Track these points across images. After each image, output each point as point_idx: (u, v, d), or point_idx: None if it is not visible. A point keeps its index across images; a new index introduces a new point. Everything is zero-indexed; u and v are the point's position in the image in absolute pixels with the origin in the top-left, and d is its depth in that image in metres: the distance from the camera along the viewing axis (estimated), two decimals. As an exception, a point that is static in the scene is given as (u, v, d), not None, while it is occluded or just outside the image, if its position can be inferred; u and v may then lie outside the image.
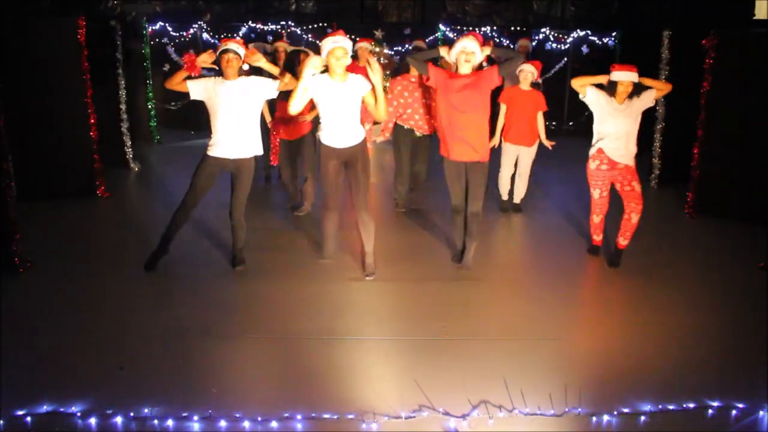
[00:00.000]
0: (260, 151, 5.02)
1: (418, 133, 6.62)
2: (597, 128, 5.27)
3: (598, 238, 5.71)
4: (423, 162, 6.90)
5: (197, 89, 4.84)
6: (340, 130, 4.80)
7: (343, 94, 4.69)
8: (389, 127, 6.62)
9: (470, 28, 11.95)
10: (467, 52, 4.79)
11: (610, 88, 5.13)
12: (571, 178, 8.33)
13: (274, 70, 4.88)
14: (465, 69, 4.85)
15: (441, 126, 5.07)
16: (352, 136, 4.84)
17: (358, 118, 4.86)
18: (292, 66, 5.94)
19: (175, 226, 5.08)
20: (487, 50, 4.93)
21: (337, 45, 4.53)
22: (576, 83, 5.20)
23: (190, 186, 4.99)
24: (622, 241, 5.46)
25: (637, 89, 5.11)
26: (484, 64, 5.29)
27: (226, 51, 4.77)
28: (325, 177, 4.95)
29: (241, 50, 4.83)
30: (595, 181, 5.36)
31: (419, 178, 7.04)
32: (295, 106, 4.67)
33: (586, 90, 5.19)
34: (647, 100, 5.17)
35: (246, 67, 4.91)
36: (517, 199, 7.11)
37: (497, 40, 11.72)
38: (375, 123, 6.69)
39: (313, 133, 6.46)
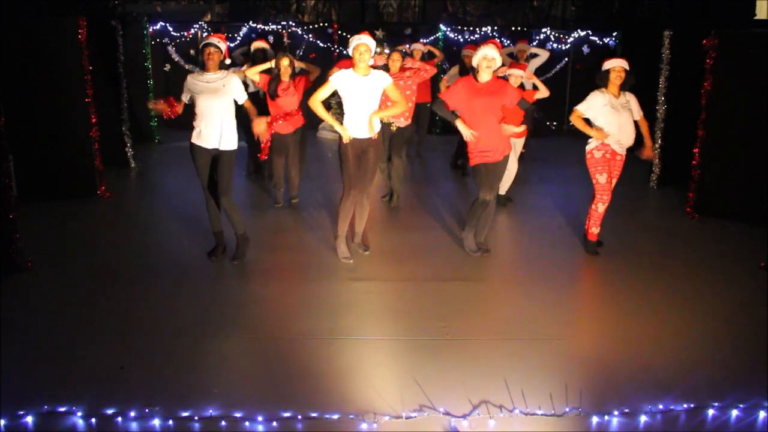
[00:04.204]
0: (236, 146, 5.26)
1: (393, 127, 6.75)
2: (598, 124, 5.43)
3: (595, 230, 5.69)
4: (399, 154, 7.05)
5: (185, 94, 5.17)
6: (359, 122, 5.20)
7: (366, 88, 5.14)
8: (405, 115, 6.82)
9: (470, 28, 11.95)
10: (488, 58, 5.23)
11: (603, 80, 5.40)
12: (572, 178, 8.33)
13: (267, 65, 5.40)
14: (486, 75, 5.30)
15: (480, 132, 5.35)
16: (369, 128, 5.24)
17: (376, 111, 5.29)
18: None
19: (213, 219, 5.43)
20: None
21: (361, 42, 5.04)
22: (579, 126, 5.48)
23: (199, 180, 5.27)
24: (595, 230, 5.74)
25: (629, 81, 5.38)
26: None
27: (207, 45, 5.09)
28: (345, 161, 5.31)
29: (222, 45, 5.13)
30: (602, 166, 5.49)
31: (399, 171, 7.13)
32: (315, 101, 5.15)
33: (583, 111, 5.46)
34: (636, 113, 5.47)
35: (228, 61, 5.25)
36: (502, 191, 7.15)
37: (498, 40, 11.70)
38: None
39: (301, 131, 6.98)
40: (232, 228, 5.42)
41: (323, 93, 5.17)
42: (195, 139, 5.17)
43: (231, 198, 5.30)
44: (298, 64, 6.98)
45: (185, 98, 5.19)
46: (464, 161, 7.90)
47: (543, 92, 7.01)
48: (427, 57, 9.46)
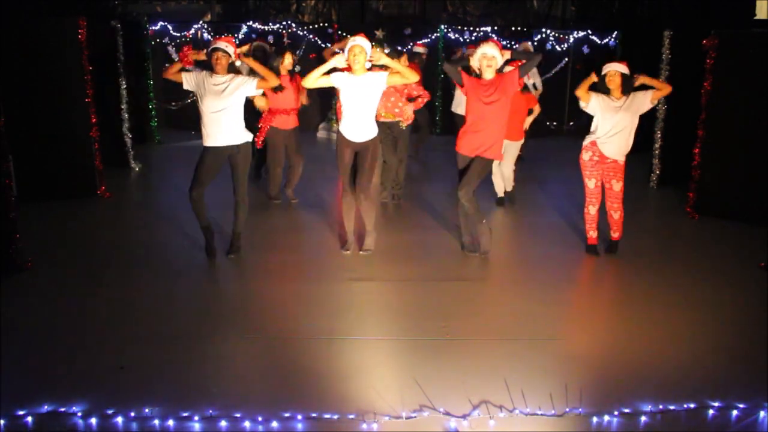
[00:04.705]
0: (249, 137, 5.33)
1: (402, 125, 6.77)
2: (595, 124, 5.44)
3: (593, 234, 5.71)
4: (404, 153, 7.08)
5: (190, 80, 5.17)
6: (356, 125, 5.28)
7: (362, 88, 5.17)
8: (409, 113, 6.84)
9: (470, 28, 11.95)
10: (488, 57, 5.21)
11: (602, 84, 5.36)
12: (572, 178, 8.32)
13: (260, 68, 5.30)
14: (489, 73, 5.26)
15: (466, 125, 5.38)
16: (365, 132, 5.32)
17: (373, 116, 5.35)
18: (265, 62, 6.55)
19: (199, 214, 5.35)
20: (507, 55, 5.27)
21: (355, 43, 5.09)
22: (579, 92, 5.39)
23: (195, 173, 5.23)
24: (614, 234, 5.75)
25: (629, 83, 5.29)
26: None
27: (215, 50, 5.11)
28: (341, 163, 5.44)
29: (230, 48, 5.14)
30: (590, 171, 5.50)
31: (401, 171, 7.18)
32: (308, 82, 5.12)
33: (590, 99, 5.38)
34: (645, 100, 5.31)
35: (239, 63, 5.26)
36: (508, 187, 7.25)
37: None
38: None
39: (298, 129, 7.03)
40: (234, 224, 5.47)
41: (318, 71, 5.10)
42: (207, 142, 5.18)
43: (246, 194, 5.39)
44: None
45: (186, 76, 5.14)
46: None
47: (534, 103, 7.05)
48: (424, 60, 9.51)
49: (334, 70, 5.17)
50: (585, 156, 5.48)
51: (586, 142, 5.48)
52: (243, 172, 5.32)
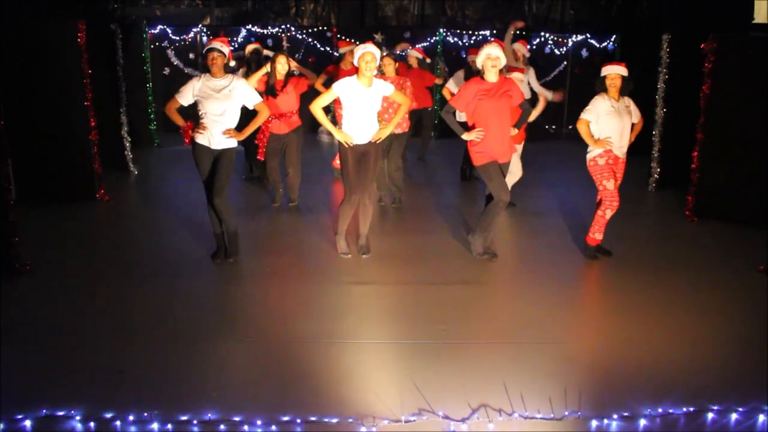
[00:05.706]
0: (235, 143, 5.30)
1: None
2: (598, 130, 5.38)
3: (599, 237, 5.65)
4: (397, 160, 7.08)
5: (187, 97, 5.19)
6: (359, 129, 5.30)
7: (369, 98, 5.22)
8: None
9: (469, 32, 11.97)
10: (492, 57, 5.19)
11: (601, 86, 5.37)
12: (571, 180, 8.34)
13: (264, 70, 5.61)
14: (493, 75, 5.26)
15: (486, 133, 5.30)
16: (369, 133, 5.34)
17: (375, 118, 5.36)
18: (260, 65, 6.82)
19: (214, 222, 5.45)
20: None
21: (367, 50, 5.07)
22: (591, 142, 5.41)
23: (201, 177, 5.30)
24: (599, 236, 5.65)
25: (628, 85, 5.34)
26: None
27: (211, 50, 5.12)
28: (345, 166, 5.41)
29: (225, 49, 5.16)
30: (608, 173, 5.42)
31: (397, 177, 7.16)
32: (316, 107, 5.28)
33: (590, 119, 5.38)
34: (634, 115, 5.47)
35: (233, 63, 5.11)
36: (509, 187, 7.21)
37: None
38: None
39: (298, 132, 6.93)
40: (223, 226, 5.44)
41: (325, 100, 5.27)
42: (199, 139, 5.19)
43: (225, 197, 5.31)
44: (296, 67, 6.99)
45: (184, 101, 5.18)
46: (470, 167, 7.80)
47: (539, 109, 6.97)
48: (424, 63, 9.51)
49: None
50: (600, 161, 5.39)
51: (600, 151, 5.37)
52: (224, 178, 5.22)
